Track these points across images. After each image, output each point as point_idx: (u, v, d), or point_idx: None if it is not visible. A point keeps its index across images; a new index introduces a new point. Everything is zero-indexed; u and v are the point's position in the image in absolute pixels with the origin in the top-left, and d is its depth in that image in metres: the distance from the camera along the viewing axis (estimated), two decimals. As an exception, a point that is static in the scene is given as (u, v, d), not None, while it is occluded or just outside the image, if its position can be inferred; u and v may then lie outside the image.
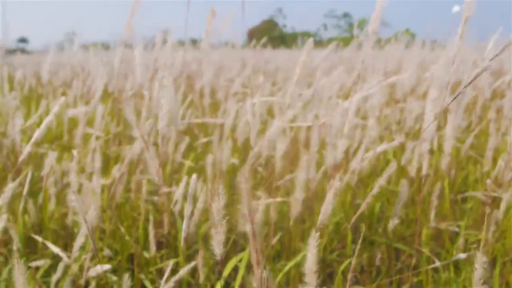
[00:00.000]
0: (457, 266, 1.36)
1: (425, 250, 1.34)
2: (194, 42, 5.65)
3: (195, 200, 0.95)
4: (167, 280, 0.85)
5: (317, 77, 1.61)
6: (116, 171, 1.52)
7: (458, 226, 1.48)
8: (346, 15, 29.79)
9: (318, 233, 0.62)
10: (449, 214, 1.54)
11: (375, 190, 0.88)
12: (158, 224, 1.41)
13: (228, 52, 5.09)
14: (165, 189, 1.25)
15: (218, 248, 0.59)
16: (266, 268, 0.54)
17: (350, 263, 1.11)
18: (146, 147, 0.74)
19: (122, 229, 1.42)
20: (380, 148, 1.26)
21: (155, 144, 1.02)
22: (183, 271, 0.86)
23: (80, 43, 4.83)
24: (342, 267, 1.21)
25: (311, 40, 1.01)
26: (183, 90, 2.08)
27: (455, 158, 1.80)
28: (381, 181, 0.88)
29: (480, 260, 0.62)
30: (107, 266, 0.94)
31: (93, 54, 2.13)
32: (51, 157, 1.06)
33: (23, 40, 25.08)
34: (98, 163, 1.18)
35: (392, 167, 0.92)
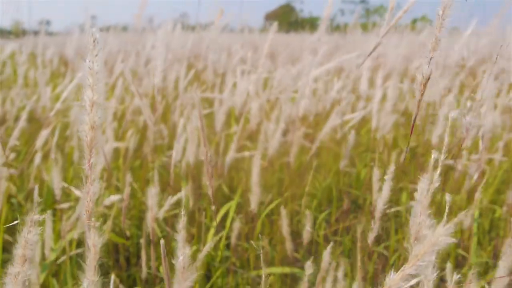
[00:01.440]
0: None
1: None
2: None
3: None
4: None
5: (303, 56, 1.89)
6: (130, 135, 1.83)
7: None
8: (363, 1, 29.72)
9: (259, 156, 0.91)
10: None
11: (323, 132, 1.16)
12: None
13: (242, 36, 5.38)
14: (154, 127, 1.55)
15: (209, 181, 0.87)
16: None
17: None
18: (140, 98, 1.04)
19: (135, 186, 1.72)
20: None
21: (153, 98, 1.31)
22: (174, 198, 1.16)
23: (101, 26, 5.20)
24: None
25: (275, 23, 1.28)
26: (187, 70, 2.38)
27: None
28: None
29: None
30: (118, 196, 1.24)
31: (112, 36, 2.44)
32: (76, 108, 1.38)
33: (45, 22, 25.76)
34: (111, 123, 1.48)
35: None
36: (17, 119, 1.79)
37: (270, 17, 22.79)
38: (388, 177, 0.75)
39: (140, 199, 1.47)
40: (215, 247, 1.30)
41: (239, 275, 1.28)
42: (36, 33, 4.42)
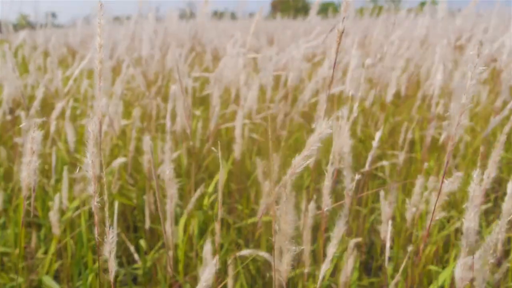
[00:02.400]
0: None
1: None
2: (220, 14, 6.19)
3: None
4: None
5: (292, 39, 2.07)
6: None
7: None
8: (370, -15, 29.64)
9: (242, 112, 1.10)
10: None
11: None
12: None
13: (247, 23, 5.57)
14: (150, 96, 1.75)
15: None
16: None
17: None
18: (133, 67, 1.24)
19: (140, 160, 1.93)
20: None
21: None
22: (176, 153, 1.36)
23: (107, 17, 5.34)
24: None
25: (260, 9, 1.47)
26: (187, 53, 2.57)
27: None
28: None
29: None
30: (123, 158, 1.45)
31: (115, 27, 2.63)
32: (85, 83, 1.58)
33: (51, 14, 26.04)
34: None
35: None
36: (31, 99, 2.00)
37: (277, 3, 22.80)
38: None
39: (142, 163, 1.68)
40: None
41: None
42: (42, 26, 4.62)
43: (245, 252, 0.87)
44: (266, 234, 1.30)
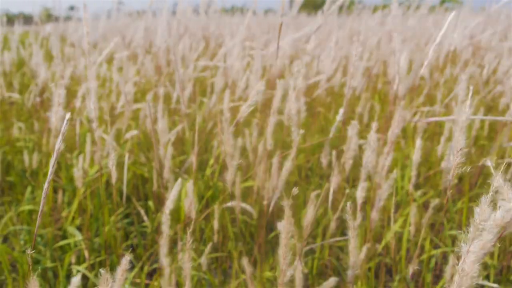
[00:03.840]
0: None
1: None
2: (240, 9, 6.49)
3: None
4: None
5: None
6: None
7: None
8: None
9: (228, 91, 1.36)
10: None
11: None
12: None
13: (264, 19, 5.86)
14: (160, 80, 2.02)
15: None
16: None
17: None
18: (144, 55, 1.51)
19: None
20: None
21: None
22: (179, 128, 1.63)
23: (126, 11, 5.73)
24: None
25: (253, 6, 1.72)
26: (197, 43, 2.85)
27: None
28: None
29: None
30: (135, 131, 1.72)
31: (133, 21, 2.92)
32: (104, 68, 1.87)
33: (72, 8, 26.83)
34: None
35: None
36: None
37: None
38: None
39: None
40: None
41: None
42: (65, 19, 4.95)
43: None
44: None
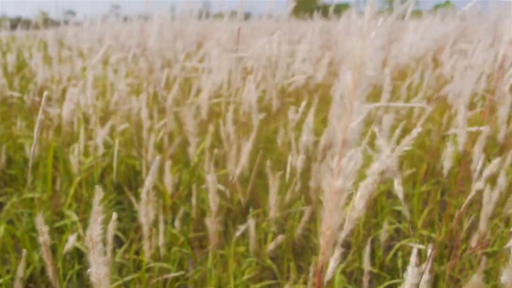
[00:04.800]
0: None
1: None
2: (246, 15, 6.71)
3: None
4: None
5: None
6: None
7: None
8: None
9: (207, 81, 1.56)
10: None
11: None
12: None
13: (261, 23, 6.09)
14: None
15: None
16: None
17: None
18: (135, 57, 1.71)
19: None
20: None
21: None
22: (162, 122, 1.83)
23: (123, 15, 5.94)
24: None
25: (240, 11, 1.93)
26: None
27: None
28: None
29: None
30: (127, 124, 1.92)
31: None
32: (99, 68, 2.08)
33: (70, 12, 27.06)
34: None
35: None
36: (58, 84, 2.50)
37: (297, 5, 23.21)
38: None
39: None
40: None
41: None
42: (59, 23, 5.15)
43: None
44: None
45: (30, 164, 0.88)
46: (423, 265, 0.60)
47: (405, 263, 1.61)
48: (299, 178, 1.14)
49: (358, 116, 0.35)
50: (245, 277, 1.39)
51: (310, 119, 1.04)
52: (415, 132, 0.66)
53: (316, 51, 2.54)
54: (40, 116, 0.83)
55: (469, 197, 0.98)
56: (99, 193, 0.55)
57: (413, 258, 0.57)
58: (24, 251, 0.90)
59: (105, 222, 0.60)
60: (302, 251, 1.74)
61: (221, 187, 1.44)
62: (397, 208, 1.75)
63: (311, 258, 1.61)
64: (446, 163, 1.16)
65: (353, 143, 0.37)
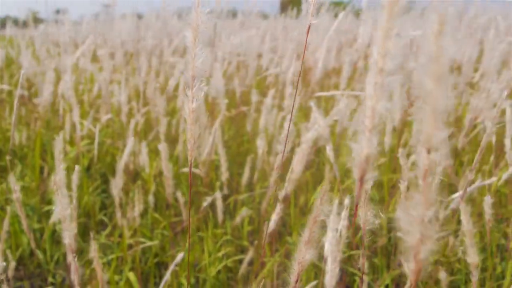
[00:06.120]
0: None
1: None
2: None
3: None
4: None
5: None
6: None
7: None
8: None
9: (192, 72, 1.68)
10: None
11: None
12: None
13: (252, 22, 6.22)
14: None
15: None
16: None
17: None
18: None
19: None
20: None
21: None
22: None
23: (118, 14, 6.10)
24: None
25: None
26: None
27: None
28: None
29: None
30: (110, 115, 2.04)
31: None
32: (82, 61, 2.20)
33: (60, 11, 27.15)
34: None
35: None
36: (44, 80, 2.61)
37: (285, 3, 23.38)
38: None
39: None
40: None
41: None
42: (55, 22, 5.25)
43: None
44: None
45: (10, 146, 0.99)
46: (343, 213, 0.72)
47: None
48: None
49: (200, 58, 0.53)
50: (221, 253, 1.51)
51: (268, 103, 1.16)
52: (342, 105, 0.78)
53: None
54: (16, 104, 0.94)
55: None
56: (59, 142, 0.66)
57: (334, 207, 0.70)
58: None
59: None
60: (278, 235, 1.86)
61: (197, 171, 1.56)
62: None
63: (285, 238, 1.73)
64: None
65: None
